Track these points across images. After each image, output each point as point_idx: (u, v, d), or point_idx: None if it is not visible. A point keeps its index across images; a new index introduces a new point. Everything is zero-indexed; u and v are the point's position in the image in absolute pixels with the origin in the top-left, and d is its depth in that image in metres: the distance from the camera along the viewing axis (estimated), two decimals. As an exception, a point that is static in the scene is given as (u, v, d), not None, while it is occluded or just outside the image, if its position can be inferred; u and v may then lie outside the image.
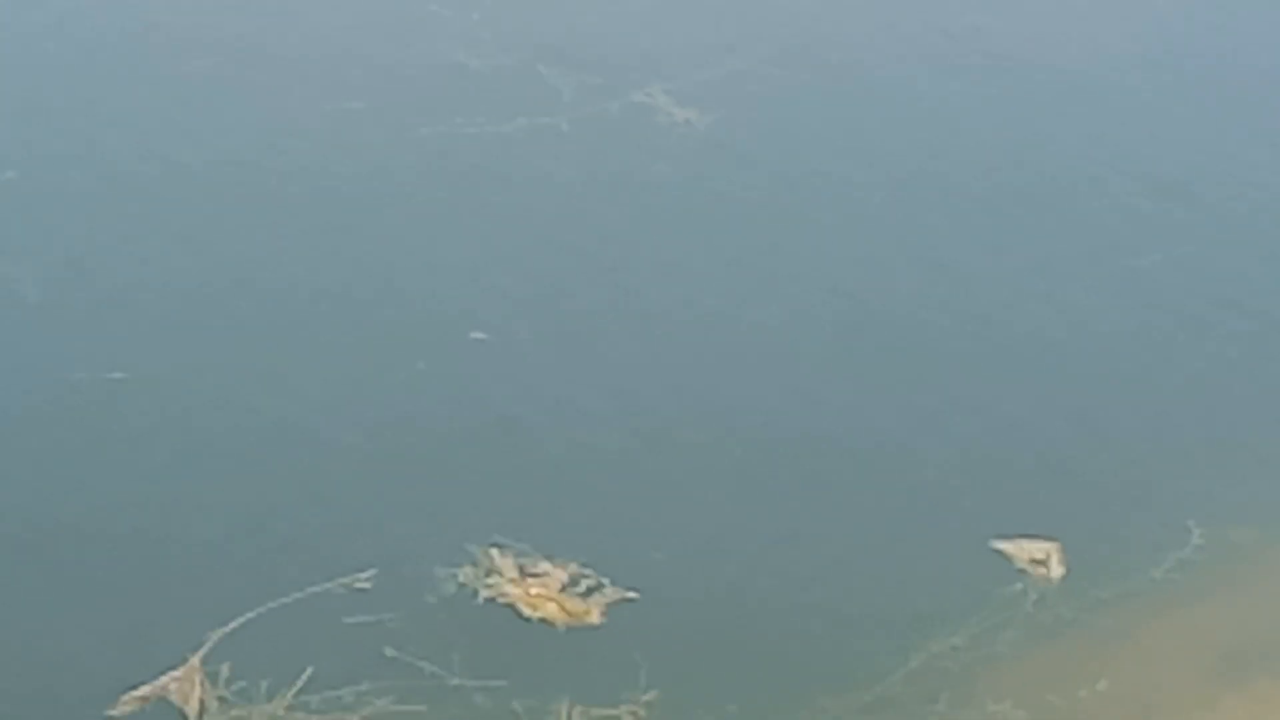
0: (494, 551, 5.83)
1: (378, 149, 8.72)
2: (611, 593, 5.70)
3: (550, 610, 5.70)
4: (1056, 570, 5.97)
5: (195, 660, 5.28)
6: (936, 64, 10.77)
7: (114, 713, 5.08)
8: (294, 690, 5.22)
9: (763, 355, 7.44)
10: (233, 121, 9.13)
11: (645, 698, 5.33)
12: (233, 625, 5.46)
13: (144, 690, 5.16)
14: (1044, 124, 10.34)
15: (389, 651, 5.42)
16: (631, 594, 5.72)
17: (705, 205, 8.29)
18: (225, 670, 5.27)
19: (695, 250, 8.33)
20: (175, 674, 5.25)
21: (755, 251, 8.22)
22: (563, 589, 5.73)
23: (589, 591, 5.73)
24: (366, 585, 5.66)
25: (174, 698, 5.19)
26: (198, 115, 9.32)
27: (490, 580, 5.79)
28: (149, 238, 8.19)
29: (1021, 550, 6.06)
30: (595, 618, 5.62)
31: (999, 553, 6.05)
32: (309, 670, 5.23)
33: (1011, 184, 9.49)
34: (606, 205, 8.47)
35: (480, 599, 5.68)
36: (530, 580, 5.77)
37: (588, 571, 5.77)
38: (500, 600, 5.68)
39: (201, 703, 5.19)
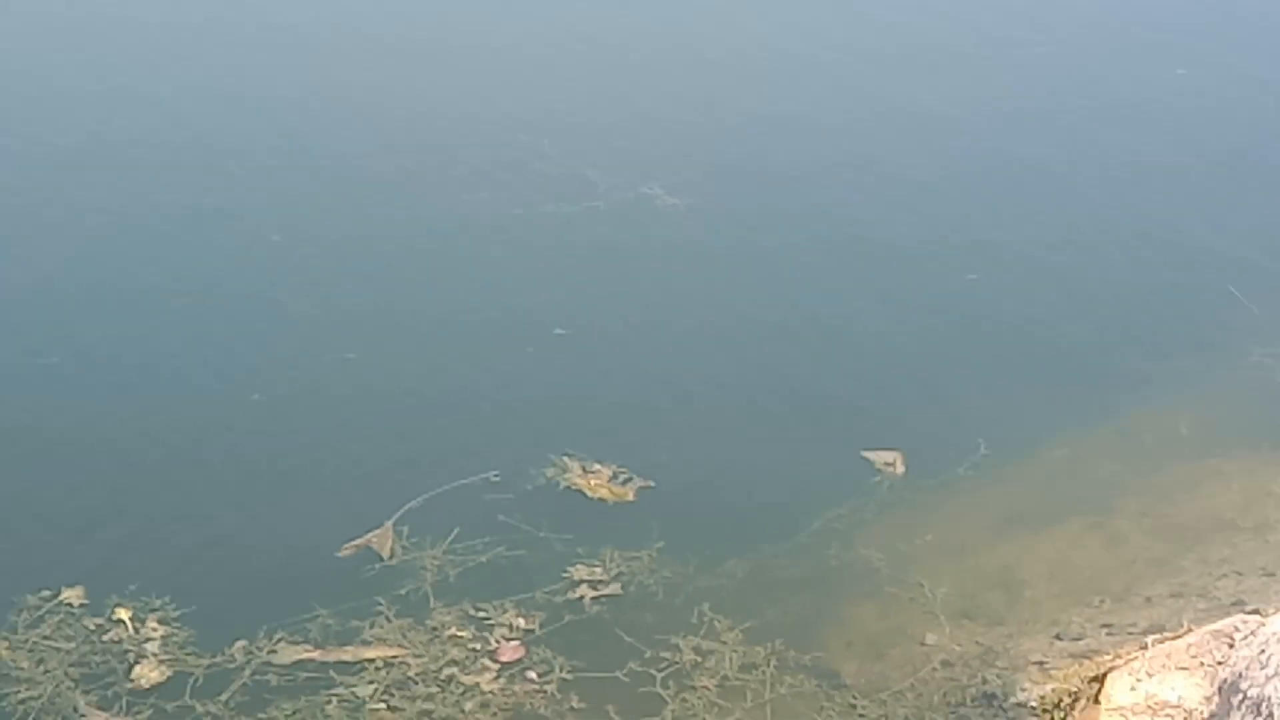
0: (566, 459, 7.52)
1: (495, 221, 9.95)
2: (638, 482, 7.40)
3: (602, 493, 7.33)
4: (900, 469, 7.58)
5: (388, 524, 6.94)
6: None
7: (340, 554, 6.71)
8: (446, 542, 6.82)
9: (720, 336, 9.03)
10: (400, 210, 10.17)
11: (656, 545, 6.92)
12: (410, 504, 7.12)
13: (357, 541, 6.78)
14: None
15: (502, 518, 7.06)
16: (650, 483, 7.41)
17: (682, 252, 9.89)
18: (405, 530, 6.93)
19: (673, 273, 9.72)
20: (376, 532, 6.87)
21: (708, 277, 9.76)
22: (610, 480, 7.43)
23: (624, 482, 7.42)
24: (496, 479, 7.34)
25: (375, 546, 6.83)
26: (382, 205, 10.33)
27: (565, 476, 7.45)
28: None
29: (879, 457, 7.64)
30: (630, 497, 7.32)
31: (865, 459, 7.65)
32: (456, 530, 6.89)
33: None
34: (628, 251, 9.95)
35: (560, 487, 7.36)
36: (590, 475, 7.42)
37: (624, 470, 7.50)
38: (572, 488, 7.38)
39: (391, 550, 6.80)
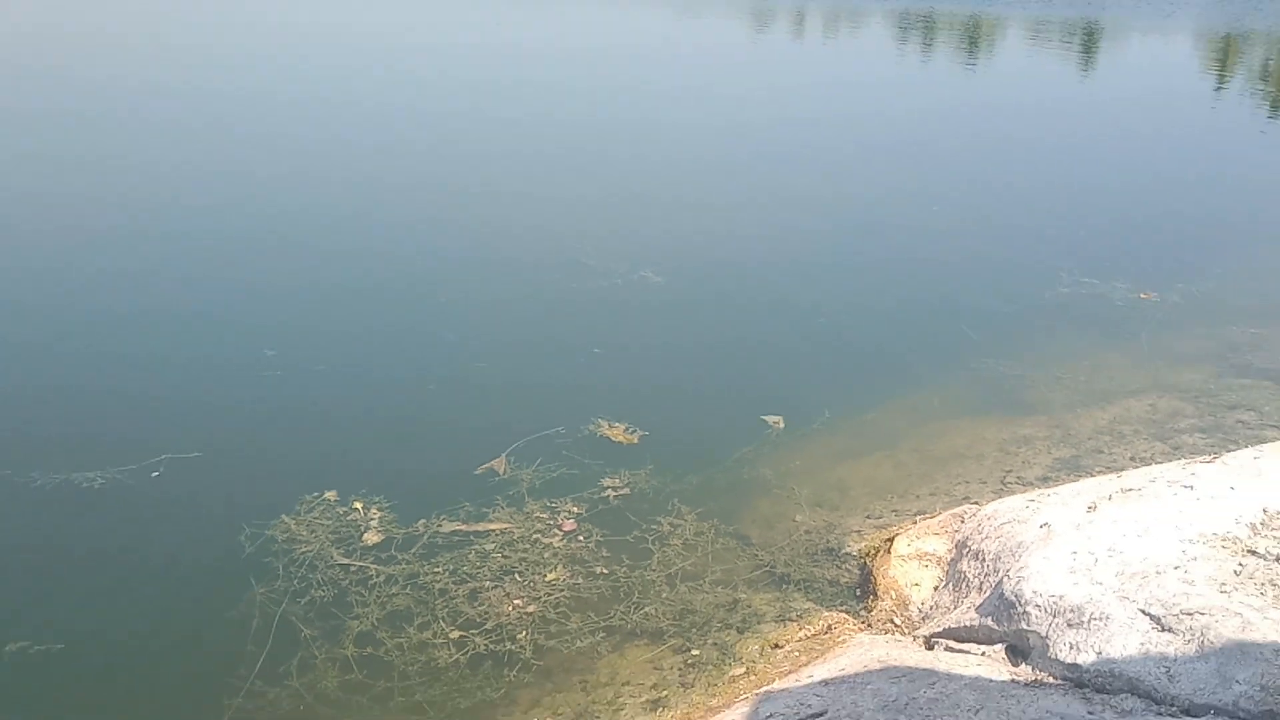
0: (600, 420, 7.29)
1: (560, 290, 9.67)
2: (639, 433, 7.18)
3: (621, 438, 7.11)
4: (781, 426, 7.33)
5: (503, 455, 6.85)
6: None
7: (476, 472, 6.68)
8: (534, 466, 6.74)
9: (686, 352, 8.80)
10: (514, 285, 9.76)
11: (648, 468, 6.78)
12: (515, 445, 6.96)
13: (485, 465, 6.76)
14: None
15: (564, 454, 6.94)
16: (646, 433, 7.19)
17: (664, 307, 9.45)
18: (512, 459, 6.81)
19: (658, 318, 9.22)
20: (495, 460, 6.79)
21: (678, 320, 9.25)
22: (624, 431, 7.16)
23: (632, 433, 7.18)
24: (561, 431, 7.21)
25: (495, 467, 6.71)
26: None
27: (599, 430, 7.21)
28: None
29: (770, 419, 7.37)
30: (636, 441, 7.10)
31: (763, 420, 7.44)
32: (539, 459, 6.84)
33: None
34: (633, 306, 9.44)
35: (597, 435, 7.16)
36: (613, 428, 7.17)
37: (633, 426, 7.24)
38: (602, 436, 7.15)
39: (504, 470, 6.69)
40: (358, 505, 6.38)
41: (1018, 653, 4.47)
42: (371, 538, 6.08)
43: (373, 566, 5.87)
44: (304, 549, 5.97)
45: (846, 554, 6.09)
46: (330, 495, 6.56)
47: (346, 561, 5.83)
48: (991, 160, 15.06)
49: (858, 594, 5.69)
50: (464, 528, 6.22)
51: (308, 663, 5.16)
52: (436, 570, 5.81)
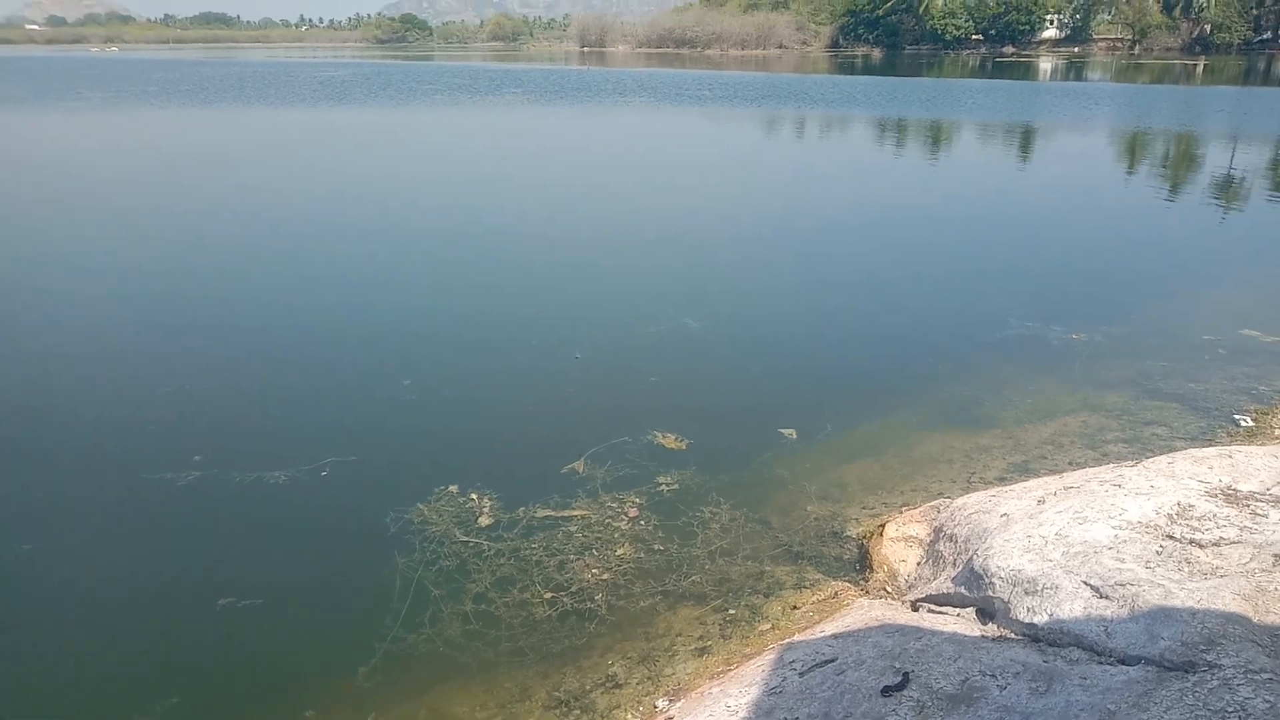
0: (657, 432, 7.19)
1: (625, 333, 9.50)
2: (686, 441, 7.05)
3: (673, 445, 6.96)
4: (794, 437, 7.17)
5: (582, 458, 6.77)
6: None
7: (562, 471, 6.57)
8: (606, 466, 6.68)
9: (719, 378, 8.49)
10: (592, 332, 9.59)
11: (692, 468, 6.69)
12: (592, 450, 6.89)
13: (568, 465, 6.66)
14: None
15: (629, 457, 6.85)
16: (690, 441, 7.07)
17: (702, 346, 9.33)
18: (588, 461, 6.77)
19: (697, 354, 9.02)
20: (576, 461, 6.71)
21: (713, 356, 9.11)
22: (674, 440, 7.02)
23: (681, 441, 7.04)
24: (626, 440, 7.11)
25: (576, 467, 6.61)
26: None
27: (656, 439, 7.09)
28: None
29: (786, 431, 7.22)
30: (684, 447, 6.95)
31: (780, 433, 7.26)
32: (609, 462, 6.76)
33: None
34: (679, 346, 9.26)
35: (655, 443, 7.05)
36: (666, 438, 7.04)
37: (681, 436, 7.13)
38: (661, 444, 7.03)
39: (583, 468, 6.59)
40: (474, 496, 6.37)
41: (985, 614, 4.37)
42: (484, 521, 6.06)
43: (485, 543, 5.88)
44: (434, 529, 5.96)
45: (847, 536, 5.97)
46: (453, 489, 6.58)
47: (466, 539, 5.82)
48: (952, 230, 14.71)
49: (857, 568, 5.58)
50: (553, 513, 6.16)
51: (437, 616, 5.26)
52: (533, 546, 5.79)
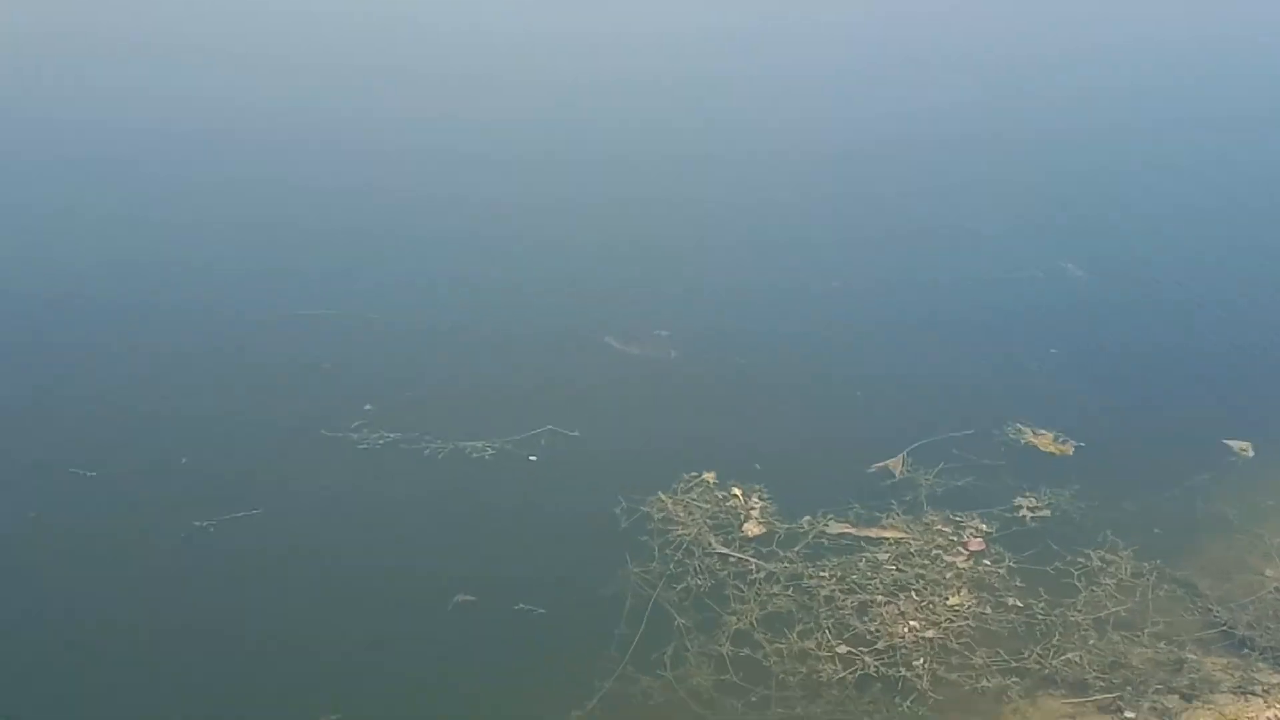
0: (1024, 426, 6.95)
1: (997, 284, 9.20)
2: (1071, 443, 6.64)
3: (1051, 448, 6.64)
4: (1249, 454, 6.73)
5: (901, 454, 6.66)
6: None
7: (869, 470, 6.58)
8: (935, 471, 6.56)
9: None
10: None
11: (1074, 487, 6.41)
12: (915, 444, 6.78)
13: (879, 464, 6.68)
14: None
15: (971, 459, 6.63)
16: (1079, 444, 6.76)
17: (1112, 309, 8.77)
18: (909, 460, 6.68)
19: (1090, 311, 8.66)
20: (892, 460, 6.66)
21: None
22: (1052, 440, 6.74)
23: (1064, 442, 6.79)
24: (971, 434, 6.87)
25: (890, 467, 6.61)
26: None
27: (1023, 436, 6.88)
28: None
29: (1237, 444, 6.76)
30: (1069, 452, 6.61)
31: (1227, 445, 6.91)
32: (940, 464, 6.62)
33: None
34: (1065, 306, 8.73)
35: (1021, 442, 6.82)
36: (1039, 436, 6.73)
37: (1063, 435, 6.85)
38: (1031, 444, 6.72)
39: (901, 471, 6.58)
40: (737, 491, 6.36)
41: None
42: (752, 529, 6.12)
43: (753, 560, 5.80)
44: (680, 531, 6.07)
45: (1318, 621, 5.31)
46: (709, 476, 6.47)
47: (725, 551, 5.83)
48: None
49: (1344, 676, 4.93)
50: (853, 531, 6.10)
51: (680, 654, 5.17)
52: (822, 574, 5.75)
